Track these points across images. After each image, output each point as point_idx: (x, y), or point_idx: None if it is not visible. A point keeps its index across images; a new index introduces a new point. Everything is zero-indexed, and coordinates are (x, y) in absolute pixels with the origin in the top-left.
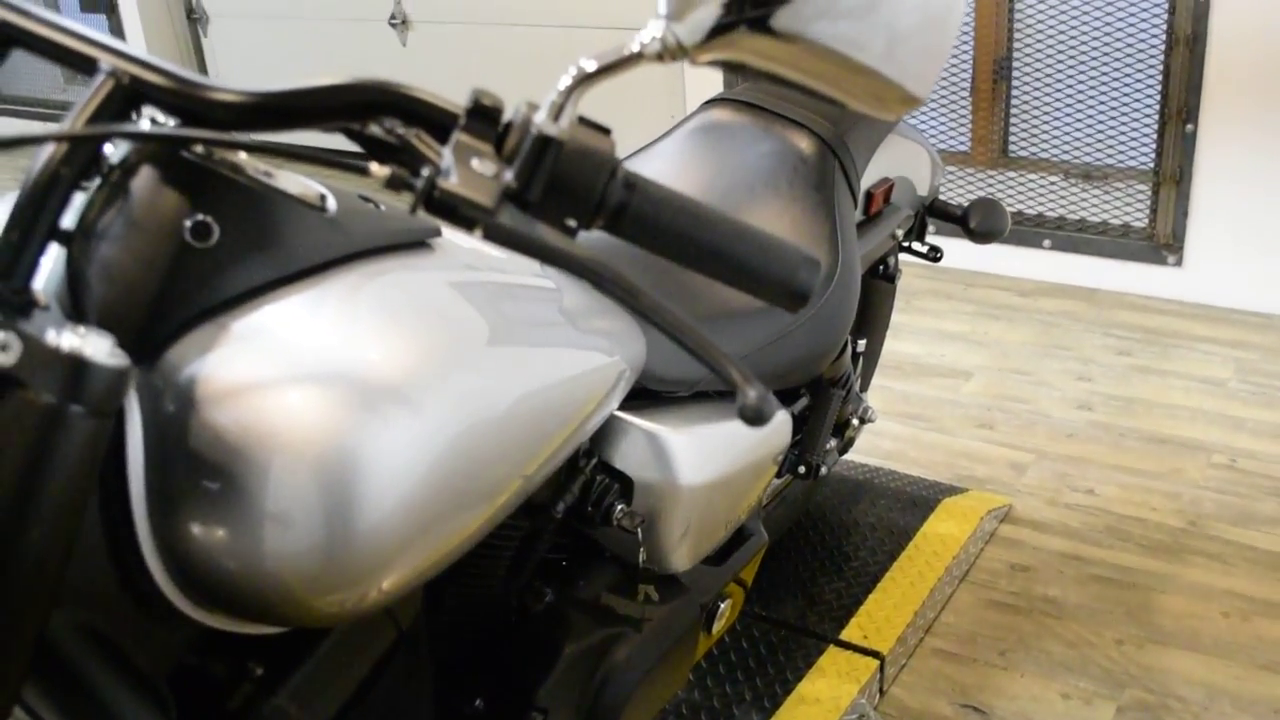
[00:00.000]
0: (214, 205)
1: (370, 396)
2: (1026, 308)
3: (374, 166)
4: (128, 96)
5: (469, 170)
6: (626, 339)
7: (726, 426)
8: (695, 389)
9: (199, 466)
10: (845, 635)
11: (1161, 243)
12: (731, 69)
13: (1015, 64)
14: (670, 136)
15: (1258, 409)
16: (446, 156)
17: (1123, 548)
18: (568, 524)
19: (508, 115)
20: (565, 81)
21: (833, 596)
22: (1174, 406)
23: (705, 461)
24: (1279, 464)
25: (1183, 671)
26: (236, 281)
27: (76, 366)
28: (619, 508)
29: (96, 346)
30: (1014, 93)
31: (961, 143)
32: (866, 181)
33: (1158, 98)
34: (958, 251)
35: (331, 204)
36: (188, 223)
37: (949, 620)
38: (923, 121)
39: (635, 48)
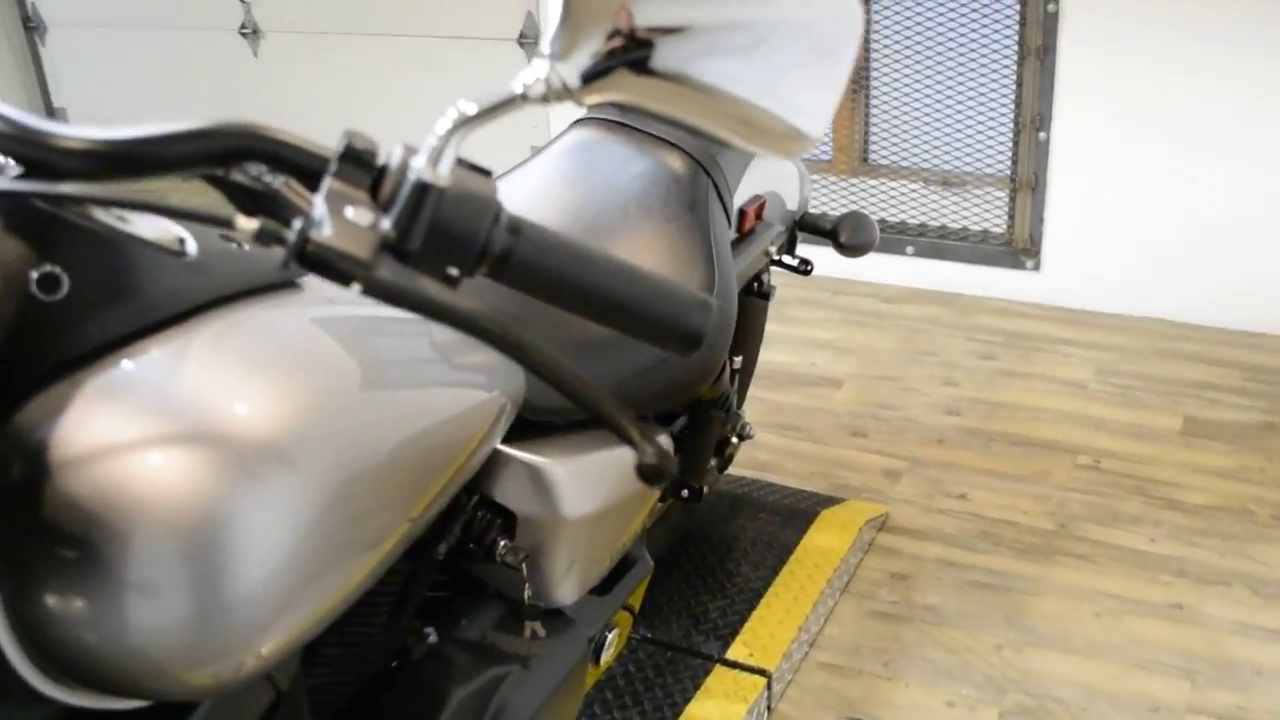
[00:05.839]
0: (62, 255)
1: (236, 454)
2: (892, 314)
3: (240, 219)
4: None
5: (343, 220)
6: (505, 373)
7: (607, 454)
8: (573, 417)
9: (53, 535)
10: (731, 654)
11: (1020, 248)
12: (621, 109)
13: (873, 73)
14: (540, 157)
15: (1117, 409)
16: (319, 206)
17: (996, 552)
18: (450, 561)
19: (382, 158)
20: (444, 125)
21: (718, 615)
22: (1037, 409)
23: (588, 492)
24: (1139, 463)
25: (1060, 673)
26: (89, 336)
27: None
28: (502, 543)
29: None
30: (872, 101)
31: (824, 151)
32: (739, 199)
33: (1012, 106)
34: (824, 259)
35: (191, 247)
36: (34, 274)
37: (832, 632)
38: None
39: (518, 89)
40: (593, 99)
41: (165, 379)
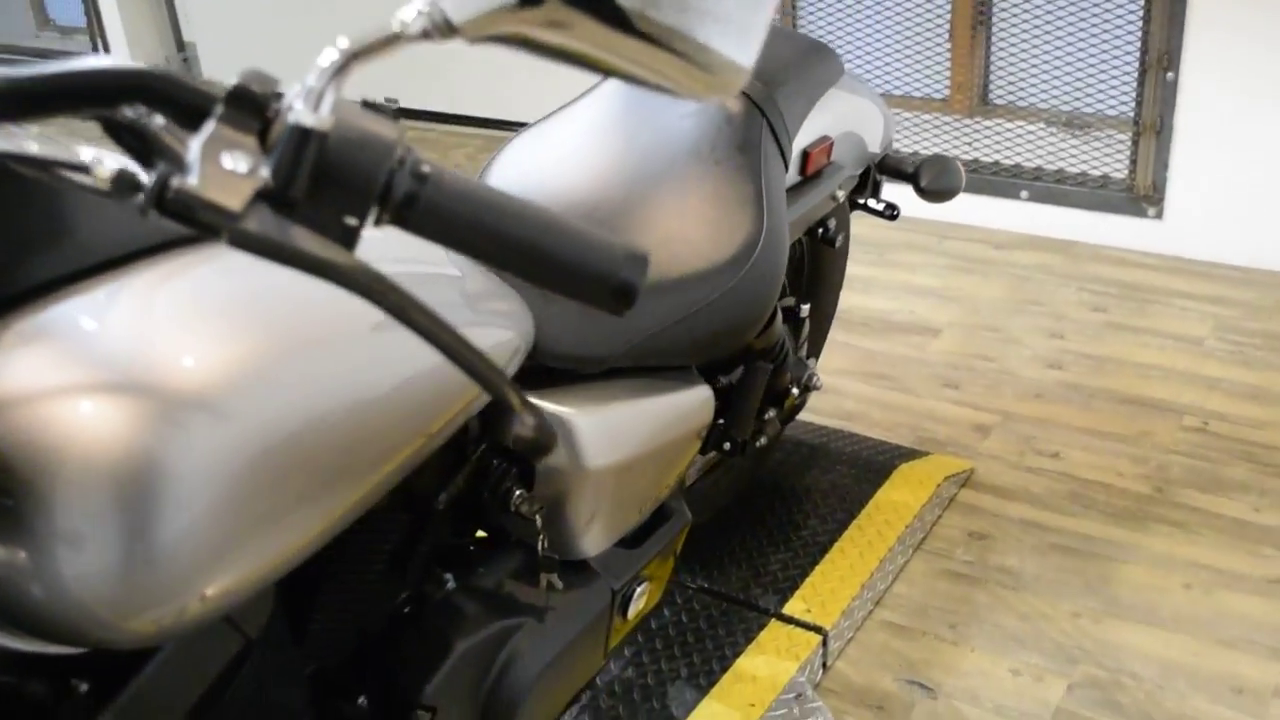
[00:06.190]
0: None
1: (161, 402)
2: (1001, 261)
3: (98, 166)
4: None
5: (216, 167)
6: (511, 319)
7: (640, 405)
8: (605, 366)
9: None
10: (788, 609)
11: (1141, 194)
12: (518, 45)
13: (996, 8)
14: (591, 95)
15: (1233, 369)
16: (193, 150)
17: (1085, 515)
18: (467, 510)
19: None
20: (323, 64)
21: (778, 568)
22: (1147, 366)
23: (613, 443)
24: (1251, 427)
25: (1139, 647)
26: (16, 279)
27: None
28: (517, 493)
29: None
30: (994, 38)
31: (939, 89)
32: (804, 140)
33: (1139, 43)
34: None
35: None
36: None
37: (901, 591)
38: (899, 66)
39: (395, 26)
40: (478, 34)
41: (96, 324)
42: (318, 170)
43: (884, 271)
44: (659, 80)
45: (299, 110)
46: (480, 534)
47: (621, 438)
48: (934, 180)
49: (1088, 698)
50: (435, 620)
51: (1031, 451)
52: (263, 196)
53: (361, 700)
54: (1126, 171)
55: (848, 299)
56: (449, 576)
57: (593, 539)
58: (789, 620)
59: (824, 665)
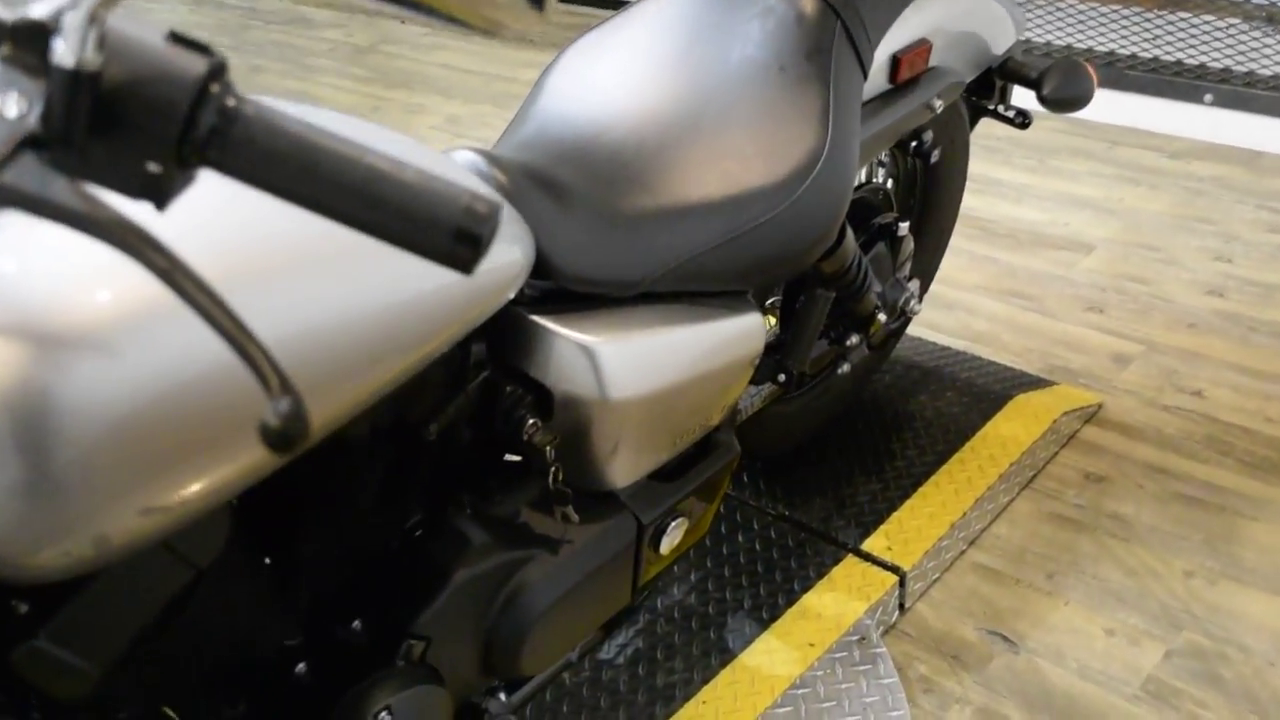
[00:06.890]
0: None
1: (51, 339)
2: (1174, 172)
3: None
4: None
5: None
6: (513, 238)
7: (675, 332)
8: (639, 290)
9: None
10: (867, 545)
11: None
12: None
13: None
14: None
15: None
16: None
17: (1219, 463)
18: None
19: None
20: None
21: (866, 500)
22: None
23: (641, 373)
24: None
25: (1254, 616)
26: None
27: None
28: (530, 422)
29: None
30: None
31: None
32: (895, 43)
33: None
34: (1106, 104)
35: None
36: None
37: (1000, 532)
38: None
39: None
40: None
41: None
42: (98, 113)
43: (1042, 179)
44: (449, 12)
45: (60, 50)
46: (511, 458)
47: (651, 367)
48: (1058, 88)
49: (1185, 668)
50: (437, 547)
51: (1172, 387)
52: (32, 145)
53: (356, 624)
54: None
55: (996, 208)
56: (467, 499)
57: (617, 471)
58: (866, 557)
59: (901, 607)
